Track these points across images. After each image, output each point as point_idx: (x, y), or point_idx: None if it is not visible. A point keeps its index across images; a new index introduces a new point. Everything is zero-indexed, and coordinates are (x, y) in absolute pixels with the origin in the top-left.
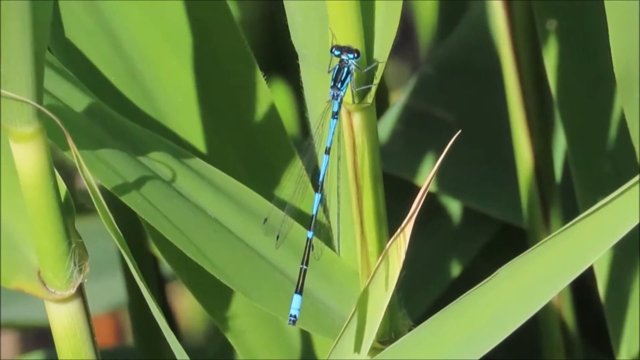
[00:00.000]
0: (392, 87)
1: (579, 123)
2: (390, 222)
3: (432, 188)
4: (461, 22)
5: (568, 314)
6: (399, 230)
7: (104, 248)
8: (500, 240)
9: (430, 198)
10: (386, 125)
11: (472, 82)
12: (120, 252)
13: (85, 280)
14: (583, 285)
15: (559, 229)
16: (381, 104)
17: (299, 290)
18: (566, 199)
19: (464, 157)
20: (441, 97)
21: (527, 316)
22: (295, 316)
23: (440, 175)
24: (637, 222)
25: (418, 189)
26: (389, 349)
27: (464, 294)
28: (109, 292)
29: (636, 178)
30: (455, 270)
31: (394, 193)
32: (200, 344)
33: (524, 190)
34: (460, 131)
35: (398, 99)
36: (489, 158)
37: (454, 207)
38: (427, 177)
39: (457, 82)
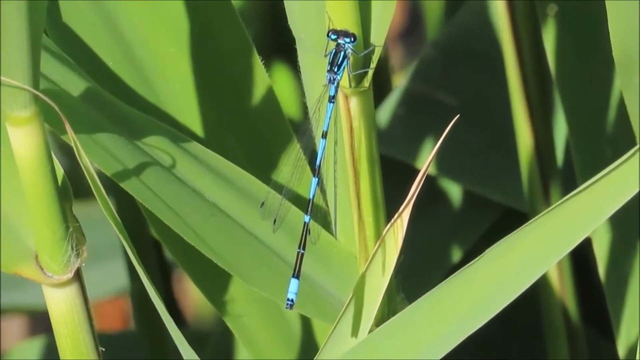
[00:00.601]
0: (397, 72)
1: (579, 107)
2: (392, 206)
3: (433, 171)
4: (463, 7)
5: (570, 299)
6: (396, 214)
7: (113, 231)
8: (502, 225)
9: (431, 182)
10: (388, 108)
11: (475, 66)
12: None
13: (83, 264)
14: (585, 271)
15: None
16: (385, 88)
17: (296, 274)
18: (567, 182)
19: (466, 141)
20: (443, 81)
21: (518, 292)
22: (292, 300)
23: (442, 159)
24: (636, 191)
25: (412, 170)
26: (380, 328)
27: (457, 271)
28: (118, 276)
29: (635, 148)
30: (456, 255)
31: (396, 177)
32: (208, 330)
33: (525, 174)
34: (459, 115)
35: (400, 83)
36: (490, 142)
37: (455, 192)
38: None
39: (459, 66)
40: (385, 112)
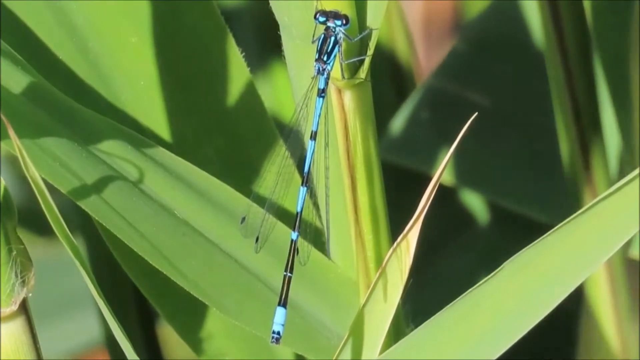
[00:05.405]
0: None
1: (634, 106)
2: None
3: (457, 185)
4: None
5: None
6: (401, 235)
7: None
8: None
9: (459, 202)
10: (409, 110)
11: (512, 59)
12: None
13: (30, 294)
14: None
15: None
16: (407, 87)
17: (283, 302)
18: None
19: (501, 149)
20: (474, 78)
21: (540, 315)
22: (278, 333)
23: (471, 170)
24: None
25: (446, 189)
26: (382, 356)
27: (468, 290)
28: (93, 326)
29: None
30: None
31: (417, 191)
32: None
33: (571, 189)
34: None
35: (424, 80)
36: (530, 150)
37: (487, 210)
38: (453, 173)
39: (493, 59)
40: (406, 114)
